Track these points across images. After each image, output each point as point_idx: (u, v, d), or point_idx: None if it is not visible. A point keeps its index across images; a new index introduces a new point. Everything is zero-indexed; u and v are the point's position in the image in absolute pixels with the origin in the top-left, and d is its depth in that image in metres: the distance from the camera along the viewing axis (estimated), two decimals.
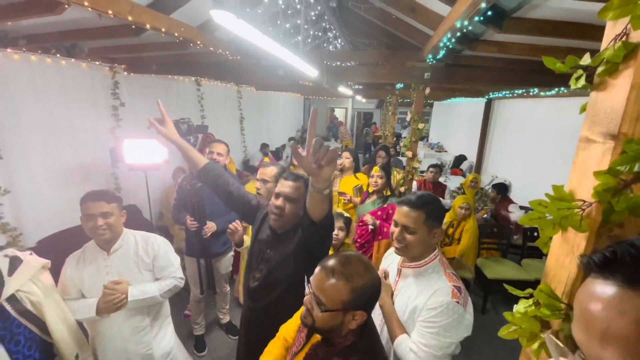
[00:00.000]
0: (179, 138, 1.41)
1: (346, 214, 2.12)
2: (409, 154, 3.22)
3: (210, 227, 2.30)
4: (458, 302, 1.08)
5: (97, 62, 3.10)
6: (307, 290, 0.90)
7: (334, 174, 3.17)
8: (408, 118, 3.20)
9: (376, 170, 2.53)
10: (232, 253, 2.67)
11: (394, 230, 1.21)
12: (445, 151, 9.34)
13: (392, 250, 1.39)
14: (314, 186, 1.00)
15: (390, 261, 1.35)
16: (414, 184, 4.09)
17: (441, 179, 5.09)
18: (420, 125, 3.10)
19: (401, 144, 3.61)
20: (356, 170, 3.15)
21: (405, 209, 1.19)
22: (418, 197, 1.19)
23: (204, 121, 4.90)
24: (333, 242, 1.61)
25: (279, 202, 1.34)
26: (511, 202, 4.21)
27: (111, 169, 3.24)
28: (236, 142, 6.44)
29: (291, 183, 1.35)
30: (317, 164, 0.93)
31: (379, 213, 2.49)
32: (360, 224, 2.57)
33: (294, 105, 11.51)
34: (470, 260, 3.04)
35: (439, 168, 4.31)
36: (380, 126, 11.04)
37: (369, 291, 0.89)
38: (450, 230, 3.12)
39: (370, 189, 2.60)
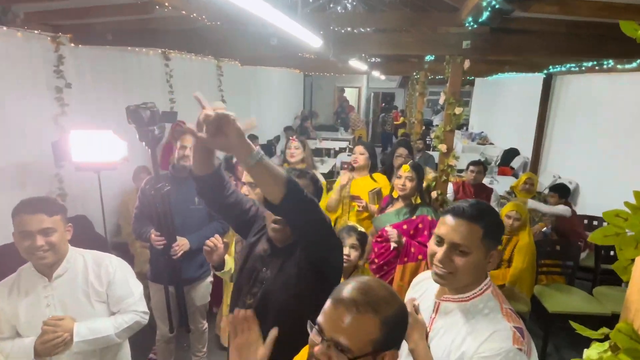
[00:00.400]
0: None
1: (360, 228, 2.13)
2: (443, 147, 3.22)
3: (182, 244, 2.31)
4: (521, 350, 1.03)
5: (35, 31, 3.14)
6: (312, 335, 0.86)
7: (346, 175, 3.19)
8: (441, 101, 3.20)
9: (405, 170, 2.54)
10: (210, 279, 2.67)
11: (435, 250, 1.16)
12: (491, 144, 9.34)
13: (422, 277, 1.38)
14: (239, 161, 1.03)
15: (421, 291, 1.33)
16: (450, 187, 4.08)
17: (485, 181, 5.08)
18: (457, 110, 3.10)
19: (432, 135, 3.61)
20: (373, 169, 3.17)
21: (456, 221, 1.14)
22: (473, 206, 1.15)
23: (173, 106, 4.95)
24: (344, 264, 1.61)
25: (274, 217, 1.37)
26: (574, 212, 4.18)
27: (54, 169, 3.28)
28: None
29: None
30: (209, 133, 0.97)
31: (405, 227, 2.49)
32: (379, 239, 2.58)
33: (292, 84, 11.60)
34: (525, 288, 3.03)
35: (482, 166, 4.30)
36: (405, 111, 11.05)
37: (401, 324, 0.88)
38: (499, 248, 3.11)
39: (396, 194, 2.60)
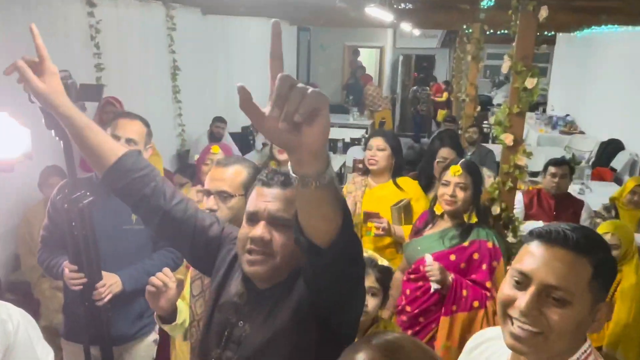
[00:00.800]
0: (69, 102, 1.48)
1: (380, 261, 2.14)
2: (508, 138, 3.23)
3: (111, 284, 2.32)
4: None
5: None
6: None
7: (357, 179, 3.19)
8: (505, 68, 3.22)
9: (456, 173, 2.54)
10: (154, 337, 2.68)
11: (513, 295, 1.15)
12: (581, 133, 9.38)
13: (483, 336, 1.39)
14: (298, 174, 1.01)
15: (484, 358, 1.36)
16: (518, 197, 4.09)
17: (573, 189, 5.07)
18: (530, 83, 3.11)
19: (491, 120, 3.64)
20: (397, 171, 3.18)
21: (551, 251, 1.12)
22: (578, 231, 1.13)
23: (101, 77, 4.99)
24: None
25: (259, 230, 1.37)
26: None
27: None
28: (164, 118, 6.48)
29: (277, 192, 1.40)
30: (289, 121, 0.88)
31: (453, 258, 2.49)
32: (412, 276, 2.59)
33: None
34: (633, 353, 3.02)
35: (567, 167, 4.31)
36: (451, 83, 11.11)
37: None
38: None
39: (439, 209, 2.61)
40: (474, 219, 2.56)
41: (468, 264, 2.47)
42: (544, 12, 3.04)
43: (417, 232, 2.74)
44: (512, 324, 1.13)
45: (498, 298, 1.20)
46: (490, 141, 8.69)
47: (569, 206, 4.23)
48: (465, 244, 2.48)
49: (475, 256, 2.46)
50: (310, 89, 0.87)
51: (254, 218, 1.39)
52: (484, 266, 2.45)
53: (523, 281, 1.13)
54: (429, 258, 2.44)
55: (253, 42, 9.53)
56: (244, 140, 7.86)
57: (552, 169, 4.26)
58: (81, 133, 1.47)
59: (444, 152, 3.73)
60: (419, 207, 3.07)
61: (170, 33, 6.36)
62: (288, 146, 0.95)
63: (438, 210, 2.63)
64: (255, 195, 1.42)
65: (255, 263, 1.38)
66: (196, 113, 7.12)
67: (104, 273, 2.29)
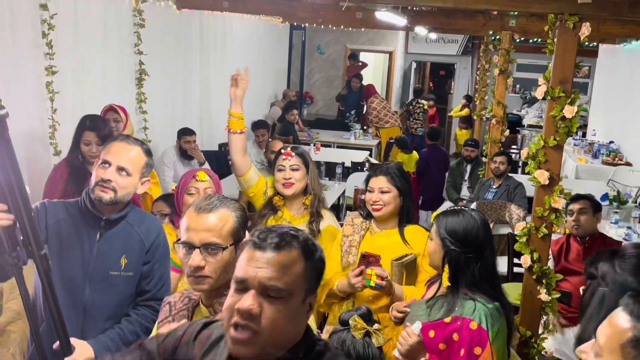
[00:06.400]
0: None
1: (375, 330, 2.21)
2: (542, 176, 3.27)
3: (78, 357, 2.30)
4: None
5: None
6: None
7: (355, 221, 3.20)
8: (539, 94, 3.24)
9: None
10: None
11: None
12: (628, 164, 9.35)
13: None
14: None
15: None
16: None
17: (618, 233, 5.09)
18: (569, 111, 3.15)
19: (522, 154, 3.67)
20: (405, 218, 3.18)
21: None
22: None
23: (52, 82, 4.99)
24: None
25: (247, 302, 1.38)
26: None
27: None
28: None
29: (271, 256, 1.42)
30: None
31: (432, 334, 2.44)
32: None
33: (268, 44, 11.82)
34: None
35: (587, 201, 4.41)
36: (474, 99, 11.17)
37: None
38: None
39: (445, 284, 2.57)
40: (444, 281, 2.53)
41: (448, 346, 2.39)
42: (585, 30, 3.08)
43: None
44: None
45: None
46: (519, 170, 8.68)
47: (602, 252, 4.25)
48: (447, 319, 2.41)
49: (455, 337, 2.39)
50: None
51: (242, 287, 1.41)
52: (462, 352, 2.35)
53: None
54: (417, 327, 2.39)
55: (237, 43, 9.61)
56: (220, 161, 7.66)
57: (569, 206, 4.36)
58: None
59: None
60: (427, 265, 2.92)
61: (137, 30, 6.37)
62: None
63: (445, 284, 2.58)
64: (245, 258, 1.44)
65: (241, 342, 1.39)
66: (164, 126, 7.14)
67: (75, 341, 2.28)
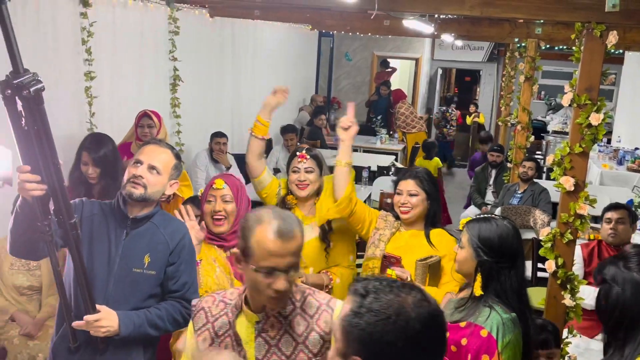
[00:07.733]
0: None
1: None
2: (567, 182, 3.26)
3: (104, 318, 2.39)
4: None
5: None
6: None
7: (389, 218, 3.23)
8: (565, 101, 3.19)
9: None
10: None
11: None
12: None
13: None
14: None
15: None
16: (577, 252, 4.12)
17: (639, 237, 5.03)
18: (595, 119, 3.12)
19: (548, 160, 3.64)
20: (431, 221, 3.20)
21: None
22: None
23: (91, 87, 5.10)
24: None
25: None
26: None
27: None
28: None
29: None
30: None
31: (447, 335, 2.35)
32: None
33: (298, 51, 11.85)
34: None
35: (625, 211, 4.36)
36: (500, 103, 11.11)
37: None
38: None
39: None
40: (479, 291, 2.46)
41: (458, 350, 2.36)
42: (612, 39, 3.04)
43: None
44: None
45: None
46: (544, 176, 8.62)
47: None
48: (462, 324, 2.40)
49: (463, 341, 2.36)
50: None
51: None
52: (469, 357, 2.33)
53: None
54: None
55: (267, 50, 9.62)
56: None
57: (607, 214, 4.35)
58: None
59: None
60: (451, 269, 2.96)
61: (172, 38, 6.48)
62: None
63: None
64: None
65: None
66: (196, 130, 7.22)
67: (101, 307, 2.39)
